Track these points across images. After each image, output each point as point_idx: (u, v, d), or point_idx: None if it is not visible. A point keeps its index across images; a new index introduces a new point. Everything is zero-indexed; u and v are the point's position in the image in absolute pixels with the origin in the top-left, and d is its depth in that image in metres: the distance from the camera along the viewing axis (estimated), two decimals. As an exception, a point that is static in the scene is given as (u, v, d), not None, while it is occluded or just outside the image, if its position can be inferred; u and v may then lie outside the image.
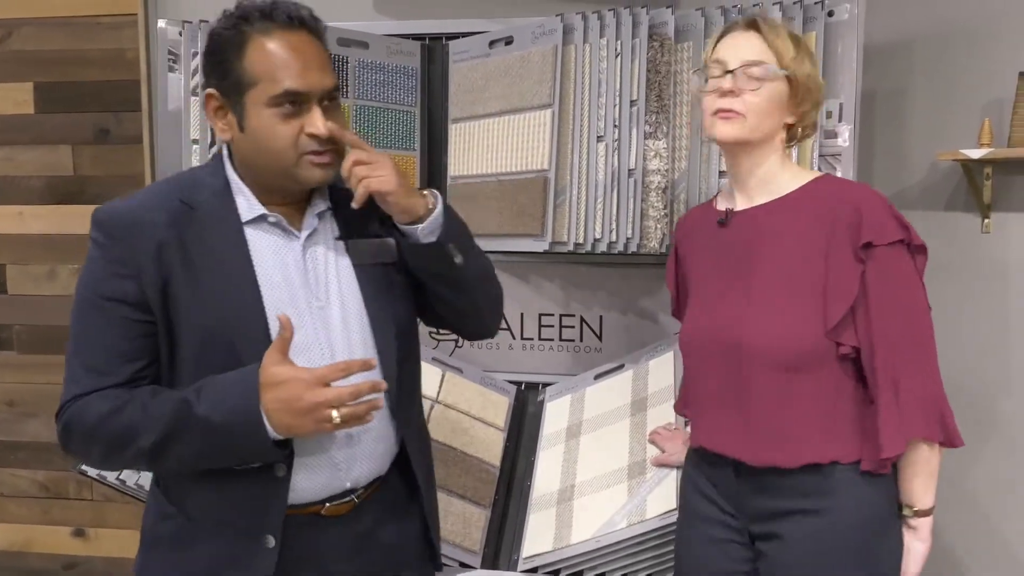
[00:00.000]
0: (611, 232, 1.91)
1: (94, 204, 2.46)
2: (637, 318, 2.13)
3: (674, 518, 1.55)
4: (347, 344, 1.19)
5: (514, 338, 2.19)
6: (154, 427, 1.08)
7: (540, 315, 2.18)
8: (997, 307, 1.96)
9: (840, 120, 1.88)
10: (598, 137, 1.91)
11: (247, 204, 1.17)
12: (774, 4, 1.85)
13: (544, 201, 1.93)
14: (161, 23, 2.12)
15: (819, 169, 1.81)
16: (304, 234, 1.20)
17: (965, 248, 2.00)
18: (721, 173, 1.87)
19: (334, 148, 1.16)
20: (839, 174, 1.84)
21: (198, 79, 2.06)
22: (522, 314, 2.19)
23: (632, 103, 1.88)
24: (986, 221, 1.96)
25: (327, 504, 1.20)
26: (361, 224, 1.24)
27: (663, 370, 1.91)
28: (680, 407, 1.59)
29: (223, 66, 1.11)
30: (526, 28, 1.98)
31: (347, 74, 2.03)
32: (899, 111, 2.12)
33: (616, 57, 1.89)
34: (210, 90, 1.14)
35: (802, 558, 1.29)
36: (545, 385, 2.12)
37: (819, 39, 1.83)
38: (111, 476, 1.86)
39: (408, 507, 1.31)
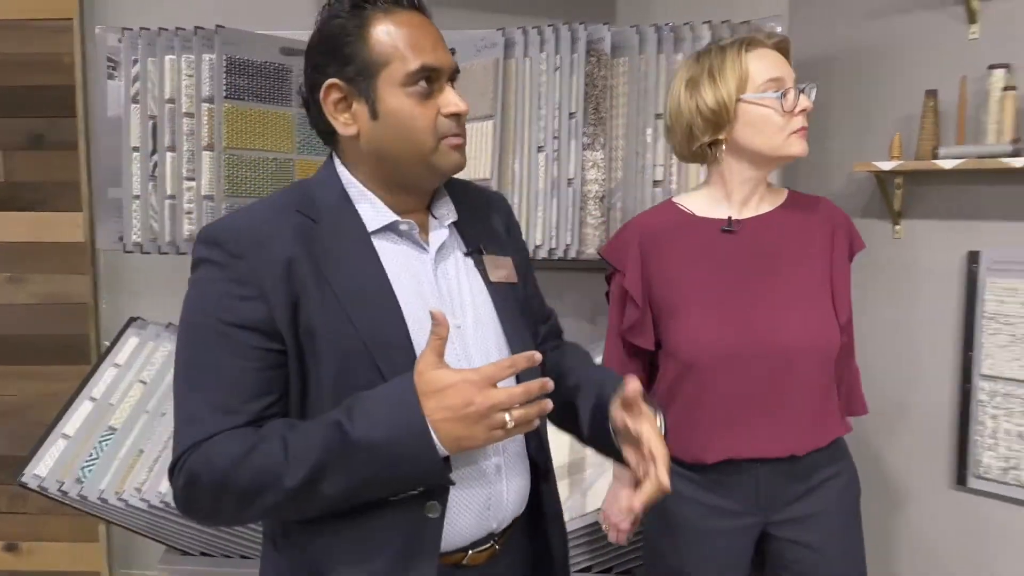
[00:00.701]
0: (552, 239, 1.98)
1: (27, 211, 2.47)
2: (577, 320, 2.21)
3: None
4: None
5: (458, 342, 2.25)
6: (302, 461, 0.91)
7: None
8: (907, 306, 2.11)
9: (765, 133, 2.00)
10: (538, 148, 1.98)
11: (373, 211, 1.06)
12: (704, 23, 1.96)
13: (487, 209, 2.00)
14: (98, 29, 2.10)
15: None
16: (434, 248, 1.09)
17: (878, 251, 2.15)
18: (656, 182, 1.97)
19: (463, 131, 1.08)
20: (764, 184, 1.96)
21: (139, 86, 2.05)
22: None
23: (571, 115, 1.96)
24: (897, 227, 2.11)
25: (470, 551, 1.05)
26: (487, 237, 1.16)
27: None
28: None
29: (344, 52, 1.02)
30: (468, 41, 2.03)
31: (290, 84, 2.06)
32: (821, 125, 2.25)
33: (555, 71, 1.97)
34: (332, 80, 1.03)
35: (838, 517, 1.44)
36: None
37: (745, 57, 1.95)
38: (53, 488, 1.84)
39: (541, 554, 1.16)
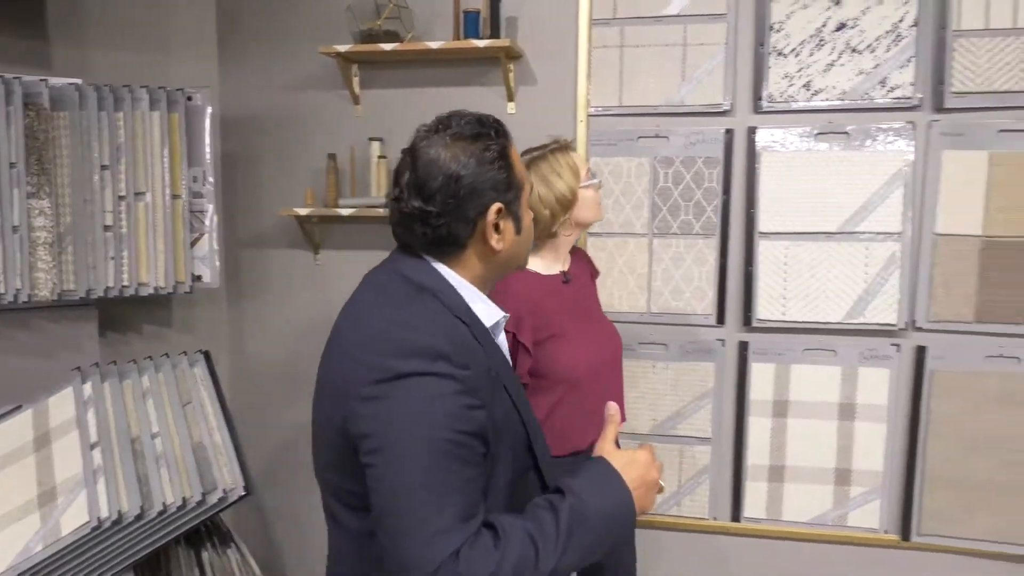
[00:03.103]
0: (0, 284, 2.03)
1: None
2: (32, 359, 2.26)
3: (89, 530, 1.83)
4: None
5: None
6: (554, 544, 1.02)
7: (-84, 368, 2.13)
8: (325, 312, 2.69)
9: (204, 183, 2.38)
10: (-24, 196, 2.00)
11: (487, 309, 1.19)
12: (142, 87, 2.22)
13: (-82, 258, 1.94)
14: None
15: (191, 224, 2.28)
16: (501, 337, 1.24)
17: (304, 274, 2.71)
18: (107, 228, 2.18)
19: None
20: (206, 226, 2.33)
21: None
22: None
23: (12, 165, 2.03)
24: (316, 256, 2.69)
25: None
26: None
27: (65, 404, 2.12)
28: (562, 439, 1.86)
29: (504, 178, 1.15)
30: None
31: None
32: (255, 177, 2.72)
33: (-10, 121, 2.01)
34: (499, 204, 1.14)
35: None
36: (-70, 438, 2.09)
37: (182, 119, 2.29)
38: None
39: None
